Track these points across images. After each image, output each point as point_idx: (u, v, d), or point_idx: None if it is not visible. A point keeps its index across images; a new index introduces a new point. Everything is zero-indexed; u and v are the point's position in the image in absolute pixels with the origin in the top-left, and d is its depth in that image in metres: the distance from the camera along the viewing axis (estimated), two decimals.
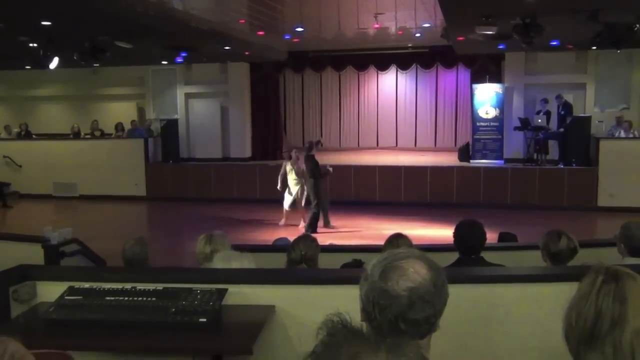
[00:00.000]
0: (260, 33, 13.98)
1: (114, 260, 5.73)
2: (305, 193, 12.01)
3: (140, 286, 3.09)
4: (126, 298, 2.99)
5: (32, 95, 19.58)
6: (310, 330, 1.29)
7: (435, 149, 18.95)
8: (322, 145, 12.29)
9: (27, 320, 3.00)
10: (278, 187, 12.29)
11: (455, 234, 4.40)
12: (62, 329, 2.87)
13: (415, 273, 1.65)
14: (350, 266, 4.75)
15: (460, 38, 12.70)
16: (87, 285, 3.13)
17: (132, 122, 18.06)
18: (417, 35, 14.94)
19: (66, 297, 3.02)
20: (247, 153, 17.59)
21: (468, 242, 4.31)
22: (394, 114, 19.65)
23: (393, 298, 1.62)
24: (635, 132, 14.36)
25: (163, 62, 17.18)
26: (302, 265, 4.33)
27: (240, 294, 3.12)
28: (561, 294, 1.81)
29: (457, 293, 2.98)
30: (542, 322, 2.95)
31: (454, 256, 4.41)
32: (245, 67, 17.67)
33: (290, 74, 19.47)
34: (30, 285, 3.24)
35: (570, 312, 1.66)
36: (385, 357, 1.14)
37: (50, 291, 3.18)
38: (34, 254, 5.88)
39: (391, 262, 1.68)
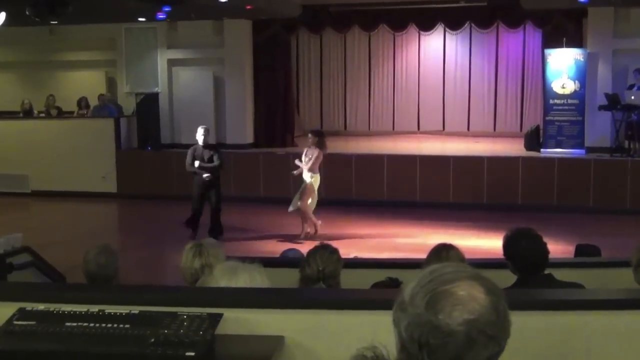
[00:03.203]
0: None
1: (75, 274, 5.78)
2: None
3: (110, 309, 3.11)
4: (91, 324, 3.00)
5: None
6: None
7: (495, 134, 18.85)
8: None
9: None
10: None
11: (509, 249, 4.42)
12: None
13: (472, 300, 1.63)
14: (384, 287, 4.76)
15: None
16: (41, 307, 3.15)
17: (100, 96, 18.15)
18: None
19: (15, 322, 3.04)
20: (249, 138, 17.62)
21: (529, 257, 4.32)
22: (440, 87, 19.57)
23: (447, 336, 1.60)
24: None
25: (140, 19, 17.22)
26: (320, 284, 4.34)
27: (239, 321, 3.13)
28: None
29: (523, 322, 2.97)
30: None
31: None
32: (247, 25, 17.67)
33: (306, 35, 19.45)
34: None
35: None
36: None
37: None
38: None
39: (439, 285, 1.66)
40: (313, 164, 11.78)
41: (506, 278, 4.36)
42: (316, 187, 11.92)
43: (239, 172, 15.72)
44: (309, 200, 11.93)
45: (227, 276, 3.44)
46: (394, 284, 4.77)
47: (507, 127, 19.04)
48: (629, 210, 13.52)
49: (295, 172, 12.21)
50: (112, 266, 4.61)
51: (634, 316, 3.07)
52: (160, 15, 15.05)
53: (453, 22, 18.39)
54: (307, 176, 11.84)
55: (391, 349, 1.47)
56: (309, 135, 12.34)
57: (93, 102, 18.18)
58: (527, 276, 4.28)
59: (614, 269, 5.41)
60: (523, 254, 4.35)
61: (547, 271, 4.36)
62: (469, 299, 1.63)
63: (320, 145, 11.94)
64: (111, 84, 19.03)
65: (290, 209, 11.98)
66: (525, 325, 2.93)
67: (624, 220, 12.67)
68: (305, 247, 5.10)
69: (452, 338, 1.60)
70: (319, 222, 12.12)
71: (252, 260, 3.83)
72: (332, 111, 20.13)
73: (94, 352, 2.87)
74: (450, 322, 1.60)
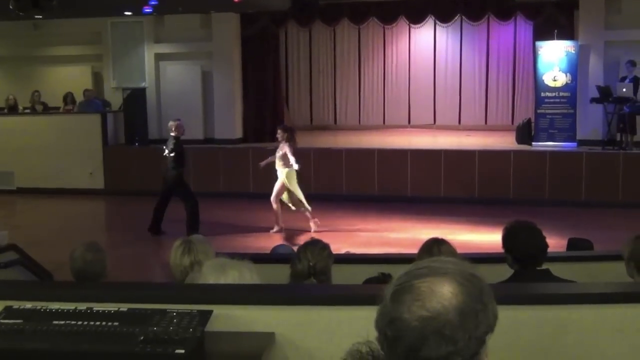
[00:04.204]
0: None
1: (62, 272, 5.77)
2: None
3: (98, 307, 3.11)
4: (80, 322, 3.00)
5: None
6: None
7: (486, 127, 18.90)
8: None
9: None
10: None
11: (509, 241, 4.42)
12: None
13: (435, 298, 1.61)
14: (376, 282, 4.76)
15: None
16: (28, 305, 3.15)
17: (86, 91, 18.09)
18: None
19: (1, 321, 3.04)
20: (237, 133, 17.60)
21: (528, 250, 4.33)
22: (431, 81, 19.60)
23: (401, 330, 1.60)
24: None
25: (126, 13, 17.17)
26: (311, 280, 4.34)
27: (230, 318, 3.13)
28: None
29: (516, 317, 2.99)
30: (626, 354, 2.94)
31: (510, 269, 4.43)
32: (235, 19, 17.64)
33: (294, 29, 19.41)
34: None
35: None
36: None
37: None
38: None
39: (409, 279, 1.65)
40: (283, 159, 11.84)
41: (499, 273, 4.36)
42: (292, 181, 11.90)
43: (228, 167, 15.71)
44: (283, 195, 12.01)
45: (215, 273, 3.44)
46: (386, 279, 4.76)
47: (499, 120, 19.08)
48: (621, 203, 13.55)
49: (261, 163, 12.28)
50: (99, 263, 4.60)
51: (626, 309, 3.08)
52: (147, 9, 15.00)
53: (443, 15, 18.34)
54: (280, 172, 11.91)
55: None
56: (278, 131, 12.36)
57: (79, 97, 18.12)
58: (523, 270, 4.29)
59: (606, 262, 5.43)
60: (522, 246, 4.34)
61: (544, 266, 4.37)
62: (431, 297, 1.61)
63: (289, 140, 11.96)
64: (97, 79, 18.96)
65: (293, 208, 12.05)
66: (518, 320, 2.94)
67: (616, 214, 12.71)
68: (296, 243, 5.11)
69: (405, 333, 1.59)
70: (280, 226, 12.24)
71: (241, 256, 3.83)
72: (322, 105, 20.13)
73: (82, 350, 2.86)
74: (409, 316, 1.60)
